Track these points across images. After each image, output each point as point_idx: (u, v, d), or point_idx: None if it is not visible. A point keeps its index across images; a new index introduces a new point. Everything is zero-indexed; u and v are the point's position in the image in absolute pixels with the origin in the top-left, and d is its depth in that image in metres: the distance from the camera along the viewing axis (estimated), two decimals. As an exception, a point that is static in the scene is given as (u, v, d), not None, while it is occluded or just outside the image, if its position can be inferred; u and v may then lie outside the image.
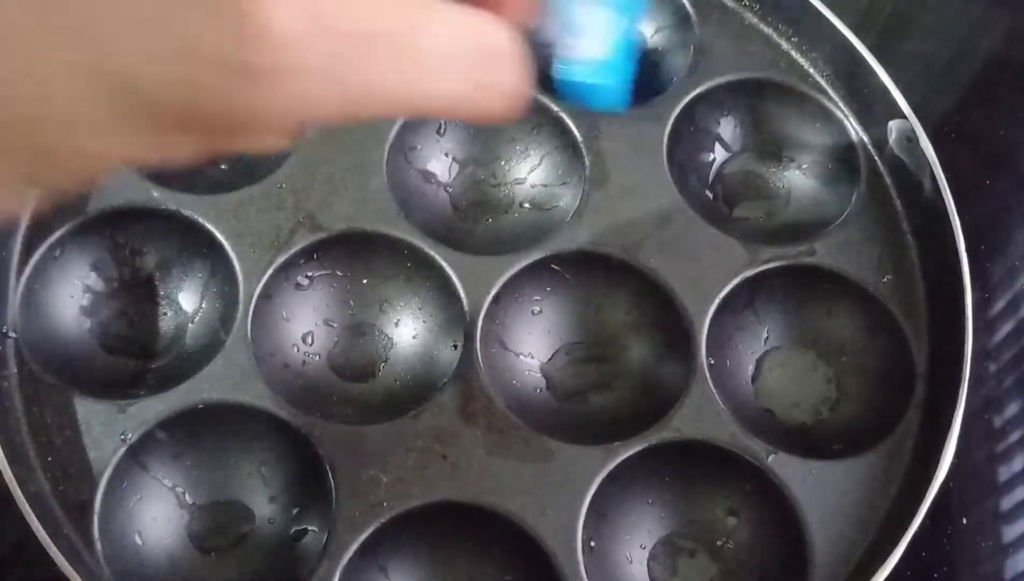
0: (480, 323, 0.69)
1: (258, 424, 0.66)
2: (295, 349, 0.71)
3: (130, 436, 0.64)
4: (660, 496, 0.68)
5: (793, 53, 0.80)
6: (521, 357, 0.72)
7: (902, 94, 0.74)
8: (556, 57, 0.61)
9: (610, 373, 0.72)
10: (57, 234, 0.70)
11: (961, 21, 0.94)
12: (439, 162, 0.78)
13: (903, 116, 0.74)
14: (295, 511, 0.66)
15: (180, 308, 0.73)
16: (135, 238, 0.72)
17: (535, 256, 0.71)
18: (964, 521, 0.74)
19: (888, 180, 0.77)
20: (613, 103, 0.63)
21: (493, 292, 0.70)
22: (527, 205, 0.77)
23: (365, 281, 0.73)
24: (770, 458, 0.66)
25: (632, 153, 0.75)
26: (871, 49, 0.76)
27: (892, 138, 0.75)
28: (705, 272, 0.72)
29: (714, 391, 0.68)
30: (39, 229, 0.70)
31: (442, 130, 0.78)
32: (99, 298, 0.72)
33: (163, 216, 0.72)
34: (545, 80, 0.80)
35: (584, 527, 0.64)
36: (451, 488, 0.65)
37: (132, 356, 0.71)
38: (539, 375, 0.72)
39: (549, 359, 0.73)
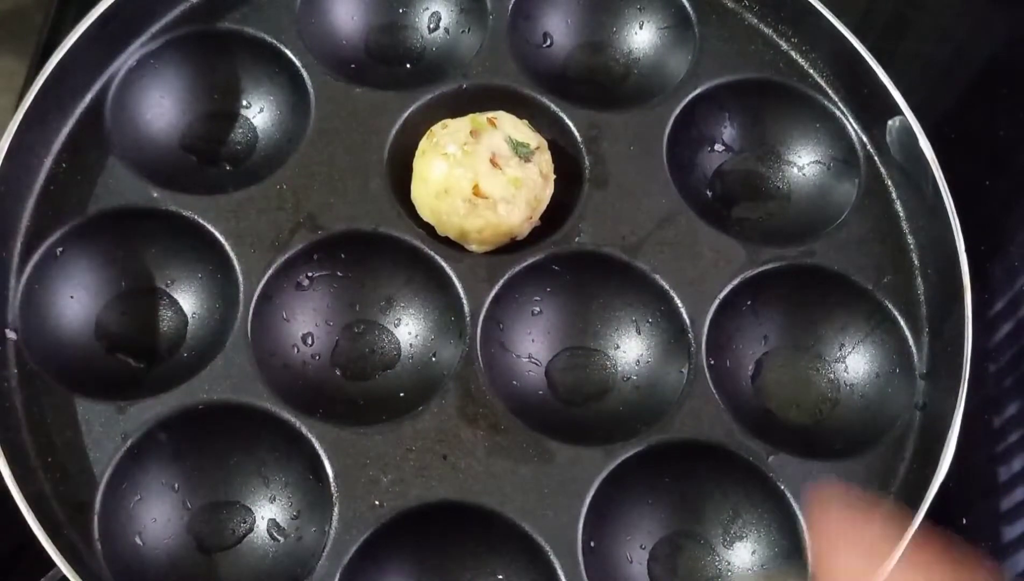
0: (480, 324, 0.69)
1: (258, 424, 0.66)
2: (295, 350, 0.71)
3: (130, 437, 0.65)
4: (660, 496, 0.68)
5: (793, 53, 0.80)
6: (521, 358, 0.72)
7: (902, 95, 0.74)
8: None
9: (610, 373, 0.72)
10: (57, 235, 0.70)
11: (961, 22, 0.94)
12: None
13: (902, 115, 0.74)
14: (295, 511, 0.66)
15: (180, 309, 0.73)
16: (135, 239, 0.72)
17: (535, 256, 0.72)
18: (964, 521, 0.74)
19: (888, 180, 0.77)
20: None
21: (493, 292, 0.70)
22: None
23: (365, 281, 0.73)
24: (770, 458, 0.66)
25: (632, 153, 0.76)
26: (871, 49, 0.76)
27: (891, 137, 0.75)
28: (705, 272, 0.72)
29: (714, 391, 0.68)
30: (39, 230, 0.70)
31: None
32: (99, 299, 0.71)
33: (163, 216, 0.72)
34: (546, 80, 0.80)
35: (584, 527, 0.64)
36: (451, 488, 0.65)
37: (132, 357, 0.71)
38: (540, 376, 0.72)
39: (550, 360, 0.73)
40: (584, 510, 0.64)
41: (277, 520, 0.67)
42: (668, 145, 0.76)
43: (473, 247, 0.71)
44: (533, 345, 0.72)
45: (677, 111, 0.77)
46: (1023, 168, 0.85)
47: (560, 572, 0.63)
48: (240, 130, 0.79)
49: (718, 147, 0.80)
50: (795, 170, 0.80)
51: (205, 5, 0.78)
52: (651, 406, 0.69)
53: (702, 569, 0.67)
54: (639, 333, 0.72)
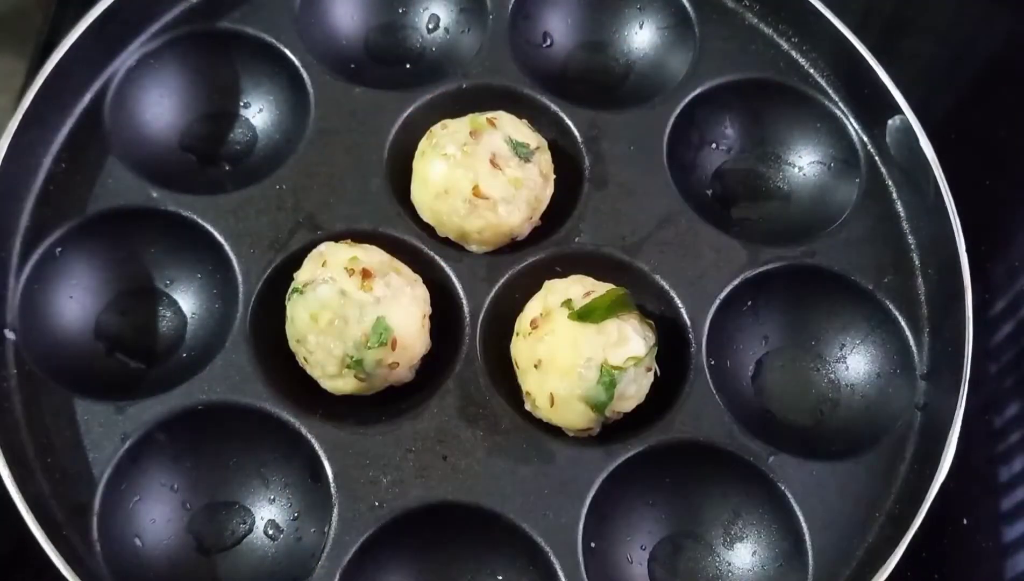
0: (480, 324, 0.69)
1: (258, 425, 0.66)
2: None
3: (130, 437, 0.64)
4: (661, 497, 0.68)
5: (793, 53, 0.80)
6: (521, 357, 0.72)
7: (902, 95, 0.74)
8: None
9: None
10: (57, 235, 0.70)
11: (961, 22, 0.94)
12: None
13: (902, 115, 0.74)
14: (295, 512, 0.66)
15: (180, 309, 0.72)
16: (134, 238, 0.72)
17: (535, 256, 0.71)
18: (964, 521, 0.74)
19: (888, 180, 0.76)
20: None
21: (493, 292, 0.70)
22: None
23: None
24: (770, 459, 0.66)
25: (632, 153, 0.75)
26: (871, 49, 0.76)
27: (892, 137, 0.75)
28: (705, 272, 0.72)
29: (714, 391, 0.68)
30: (39, 229, 0.70)
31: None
32: (98, 299, 0.71)
33: (163, 217, 0.71)
34: (543, 79, 0.80)
35: (585, 528, 0.64)
36: (451, 489, 0.65)
37: (132, 357, 0.71)
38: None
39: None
40: (584, 511, 0.64)
41: (277, 521, 0.67)
42: (668, 145, 0.76)
43: (473, 247, 0.71)
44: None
45: (677, 111, 0.77)
46: (1023, 168, 0.85)
47: (560, 572, 0.62)
48: (239, 130, 0.79)
49: (718, 147, 0.80)
50: (795, 170, 0.80)
51: (205, 5, 0.78)
52: (651, 406, 0.69)
53: (702, 569, 0.67)
54: (639, 333, 0.72)
